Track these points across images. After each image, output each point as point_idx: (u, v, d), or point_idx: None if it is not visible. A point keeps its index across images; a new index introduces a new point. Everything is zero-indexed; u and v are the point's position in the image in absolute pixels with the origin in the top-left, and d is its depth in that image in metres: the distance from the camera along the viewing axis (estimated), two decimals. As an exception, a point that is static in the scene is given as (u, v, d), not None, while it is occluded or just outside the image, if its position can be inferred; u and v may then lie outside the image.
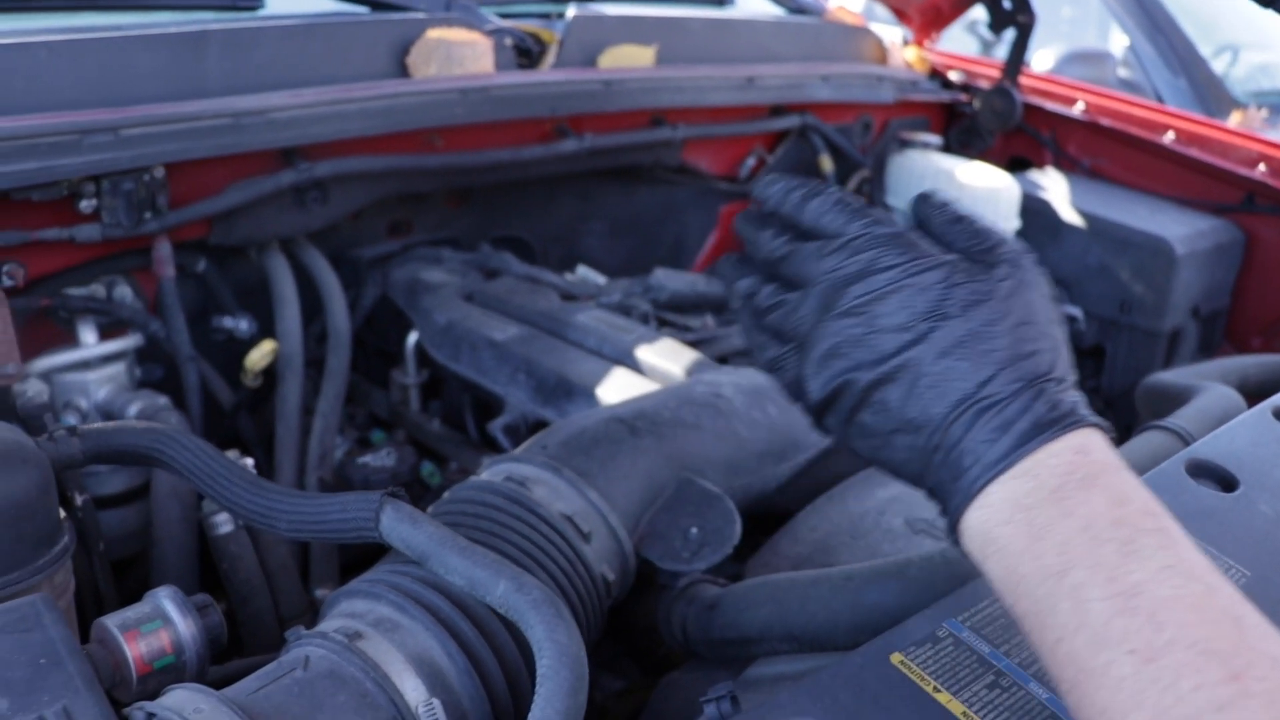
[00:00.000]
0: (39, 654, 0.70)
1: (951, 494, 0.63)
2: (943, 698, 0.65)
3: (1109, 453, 0.62)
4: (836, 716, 0.62)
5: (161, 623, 0.83)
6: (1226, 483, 0.90)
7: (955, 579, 0.81)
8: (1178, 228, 2.15)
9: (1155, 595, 0.54)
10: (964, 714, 0.64)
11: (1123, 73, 5.45)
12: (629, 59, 1.94)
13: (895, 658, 0.67)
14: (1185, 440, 1.05)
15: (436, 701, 0.79)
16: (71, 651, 0.71)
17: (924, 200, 0.73)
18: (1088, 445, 0.62)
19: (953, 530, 0.64)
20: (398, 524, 0.83)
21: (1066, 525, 0.58)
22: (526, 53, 1.85)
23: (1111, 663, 0.53)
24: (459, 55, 1.68)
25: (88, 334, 1.45)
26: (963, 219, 0.70)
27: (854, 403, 0.66)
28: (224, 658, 0.93)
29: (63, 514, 0.93)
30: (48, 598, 0.77)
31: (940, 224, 0.71)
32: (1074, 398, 0.64)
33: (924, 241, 0.68)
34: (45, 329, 1.43)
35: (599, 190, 2.11)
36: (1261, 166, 2.15)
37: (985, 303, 0.64)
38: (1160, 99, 4.16)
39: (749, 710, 0.63)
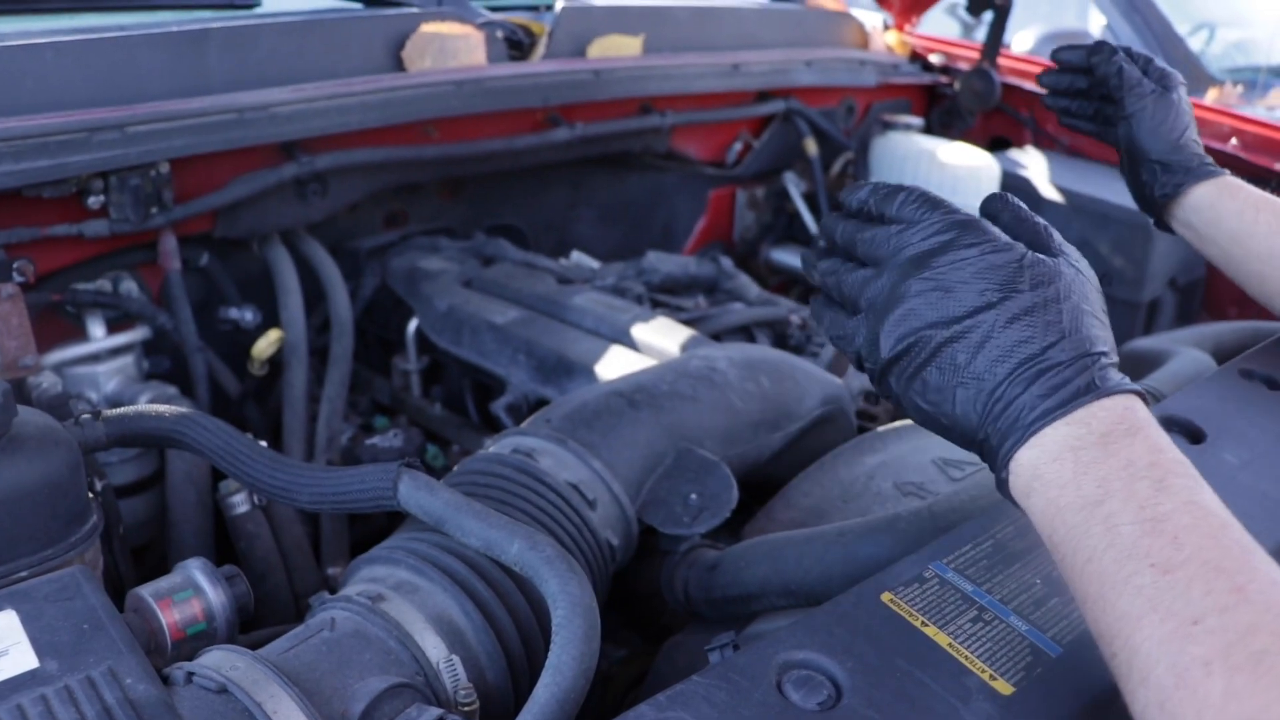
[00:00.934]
0: (82, 620, 0.74)
1: (1007, 436, 0.69)
2: (930, 631, 0.70)
3: (1149, 414, 0.70)
4: (832, 649, 0.67)
5: (193, 592, 0.88)
6: (1194, 435, 0.95)
7: (941, 531, 0.86)
8: (1155, 202, 2.20)
9: (1179, 523, 0.62)
10: (950, 645, 0.69)
11: (1101, 52, 5.48)
12: (617, 49, 1.98)
13: (885, 596, 0.72)
14: (1157, 399, 1.10)
15: (456, 658, 0.83)
16: (112, 617, 0.75)
17: (994, 199, 0.81)
18: (1133, 406, 0.69)
19: (1001, 472, 0.71)
20: (415, 491, 0.88)
21: (1108, 464, 0.65)
22: (517, 45, 1.90)
23: (1134, 574, 0.61)
24: (452, 48, 1.73)
25: (96, 328, 1.49)
26: (1027, 217, 0.78)
27: (924, 359, 0.73)
28: (243, 632, 0.98)
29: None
30: (85, 569, 0.81)
31: (1008, 220, 0.79)
32: (1120, 374, 0.71)
33: (996, 229, 0.75)
34: (54, 324, 1.47)
35: (589, 178, 2.15)
36: (1234, 140, 2.20)
37: (1051, 284, 0.72)
38: (1138, 77, 4.20)
39: (747, 649, 0.68)
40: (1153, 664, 0.58)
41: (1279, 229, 1.11)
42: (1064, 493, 0.66)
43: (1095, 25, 5.88)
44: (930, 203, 0.76)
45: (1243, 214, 1.13)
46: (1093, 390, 0.68)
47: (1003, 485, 0.71)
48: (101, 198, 1.39)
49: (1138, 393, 0.70)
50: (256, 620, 1.26)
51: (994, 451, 0.71)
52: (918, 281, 0.73)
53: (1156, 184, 1.19)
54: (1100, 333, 0.72)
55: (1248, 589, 0.58)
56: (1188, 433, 0.96)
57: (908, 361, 0.74)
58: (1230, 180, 1.17)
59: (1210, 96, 3.71)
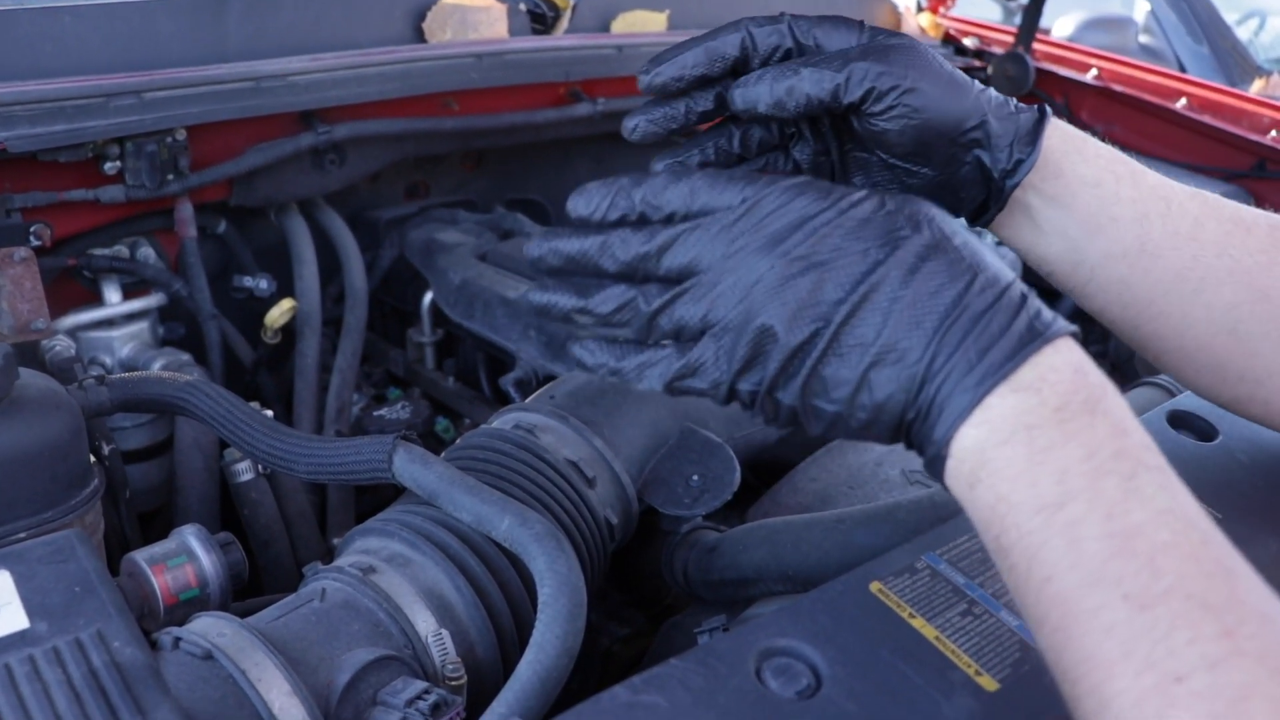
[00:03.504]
0: (74, 583, 0.74)
1: (944, 414, 0.58)
2: (917, 623, 0.69)
3: (1100, 374, 0.59)
4: (815, 637, 0.66)
5: (186, 558, 0.88)
6: (1205, 433, 0.93)
7: (942, 521, 0.85)
8: (1187, 193, 2.16)
9: (1155, 539, 0.53)
10: (936, 638, 0.68)
11: (1144, 39, 5.41)
12: (641, 24, 1.97)
13: (874, 586, 0.71)
14: (1172, 393, 1.08)
15: (445, 632, 0.83)
16: (104, 581, 0.75)
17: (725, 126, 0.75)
18: (1083, 365, 0.59)
19: (937, 462, 0.60)
20: (409, 465, 0.88)
21: (1068, 451, 0.55)
22: (540, 18, 1.89)
23: (1103, 606, 0.52)
24: (474, 20, 1.72)
25: (112, 293, 1.49)
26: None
27: (819, 353, 0.60)
28: (241, 600, 0.98)
29: (92, 460, 0.98)
30: (81, 533, 0.81)
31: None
32: (1050, 310, 0.61)
33: (827, 182, 0.64)
34: (70, 288, 1.48)
35: (612, 153, 2.14)
36: (1274, 133, 2.16)
37: (930, 222, 0.61)
38: (1182, 66, 4.13)
39: (728, 634, 0.67)
40: None
41: (1149, 209, 0.77)
42: (1016, 488, 0.56)
43: (1139, 11, 5.79)
44: (732, 178, 0.63)
45: (1100, 183, 0.78)
46: (1034, 336, 0.58)
47: (937, 472, 0.60)
48: (118, 163, 1.40)
49: (1075, 334, 0.60)
50: (259, 588, 1.27)
51: (927, 433, 0.60)
52: (781, 267, 0.60)
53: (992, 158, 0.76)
54: (997, 264, 0.61)
55: (1238, 633, 0.50)
56: (1199, 431, 0.94)
57: (798, 364, 0.61)
58: (1068, 128, 0.79)
59: (1255, 88, 3.64)
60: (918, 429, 0.61)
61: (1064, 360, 0.58)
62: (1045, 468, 0.55)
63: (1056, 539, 0.54)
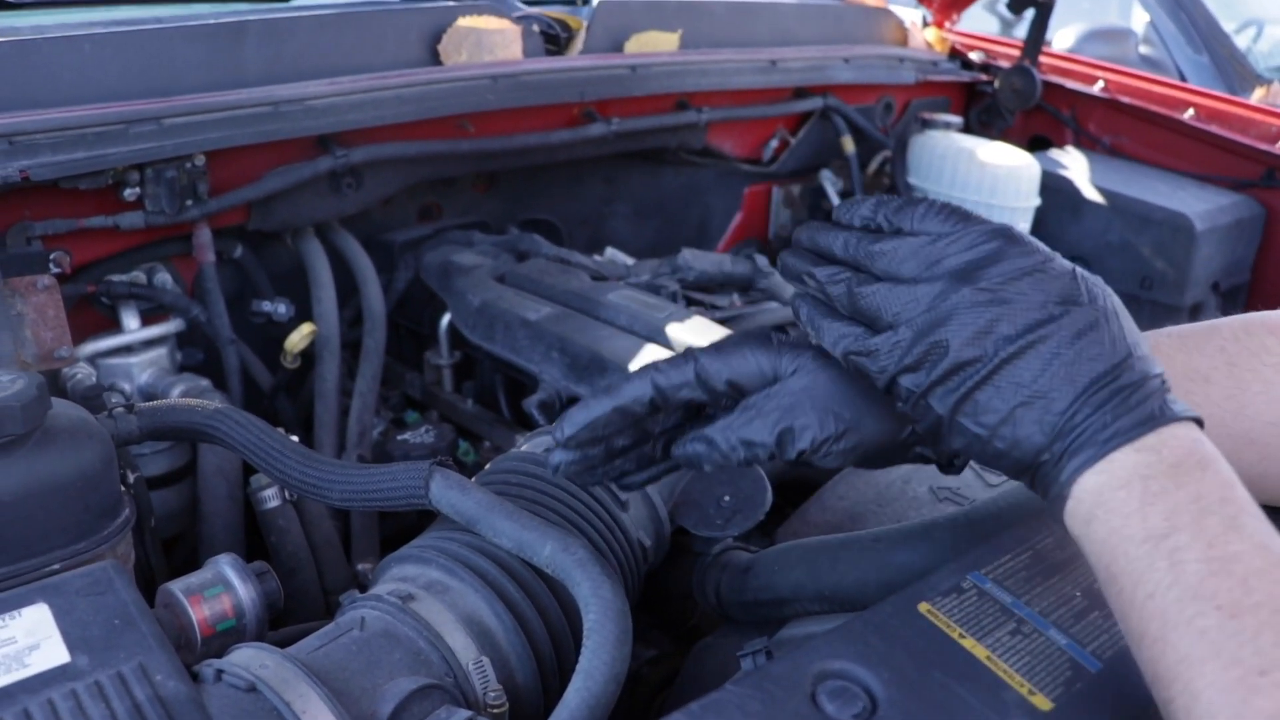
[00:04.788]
0: (113, 615, 0.74)
1: (1074, 457, 0.64)
2: (968, 643, 0.68)
3: (1215, 449, 0.65)
4: (868, 659, 0.65)
5: (223, 588, 0.88)
6: None
7: (978, 539, 0.84)
8: (1198, 204, 2.17)
9: (1249, 565, 0.58)
10: (988, 658, 0.67)
11: (1144, 50, 5.43)
12: (654, 44, 1.97)
13: (923, 607, 0.71)
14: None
15: (485, 659, 0.82)
16: (143, 613, 0.75)
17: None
18: (1200, 438, 0.65)
19: (1060, 496, 0.66)
20: (447, 491, 0.87)
21: (1178, 495, 0.61)
22: (554, 39, 1.89)
23: (1198, 615, 0.57)
24: (489, 42, 1.72)
25: (130, 319, 1.49)
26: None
27: (980, 378, 0.67)
28: (272, 628, 0.98)
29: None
30: (117, 564, 0.81)
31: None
32: (1182, 401, 0.67)
33: (1037, 241, 0.71)
34: (89, 315, 1.48)
35: (624, 173, 2.14)
36: (1282, 142, 2.17)
37: (1107, 298, 0.68)
38: (1182, 76, 4.14)
39: (781, 657, 0.67)
40: (1213, 714, 0.55)
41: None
42: (1128, 522, 0.62)
43: (1138, 22, 5.81)
44: (960, 214, 0.71)
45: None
46: (1165, 415, 0.64)
47: (1057, 510, 0.67)
48: (137, 190, 1.40)
49: (1198, 421, 0.66)
50: (286, 616, 1.26)
51: (1053, 475, 0.66)
52: (970, 293, 0.67)
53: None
54: (1151, 354, 0.68)
55: None
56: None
57: (958, 380, 0.67)
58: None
59: (1256, 96, 3.64)
60: (1045, 471, 0.67)
61: (1185, 433, 0.65)
62: (1156, 507, 0.61)
63: (1161, 562, 0.60)
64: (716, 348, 0.78)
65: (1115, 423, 0.64)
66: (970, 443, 0.69)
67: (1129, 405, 0.64)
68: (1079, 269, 0.69)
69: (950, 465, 0.79)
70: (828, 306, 0.75)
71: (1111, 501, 0.63)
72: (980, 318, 0.67)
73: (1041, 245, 0.70)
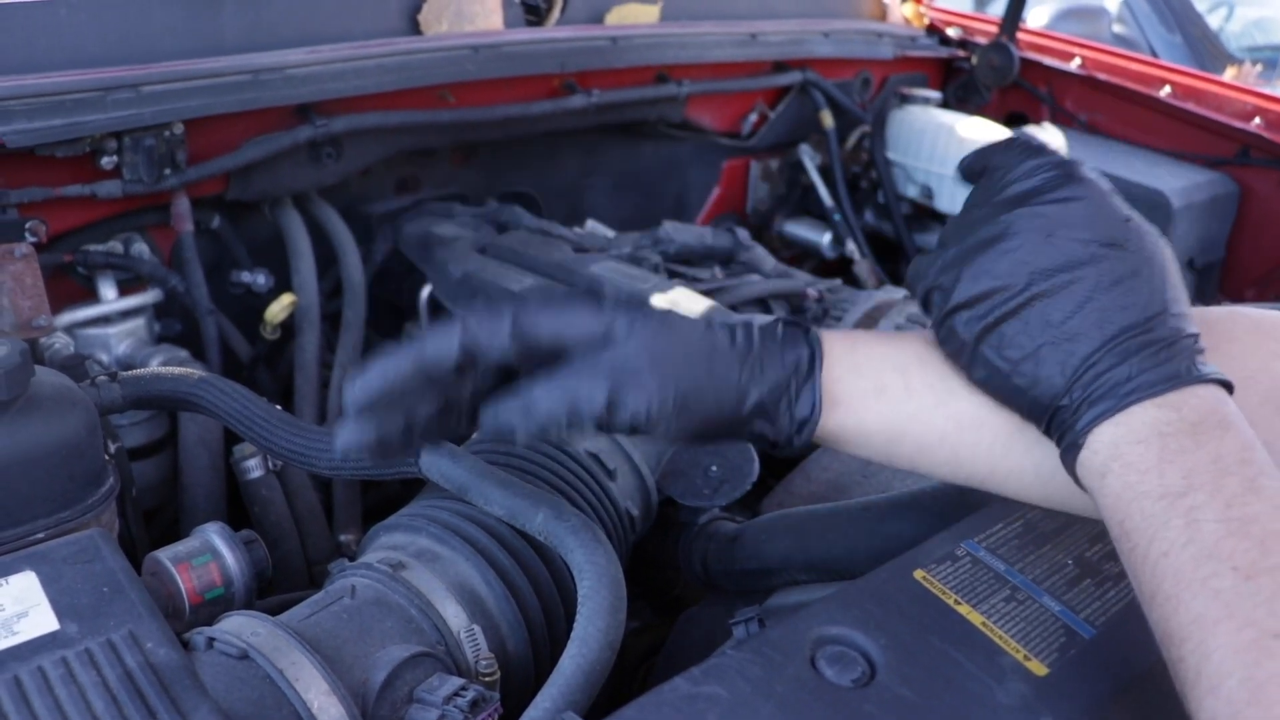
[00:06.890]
0: (102, 583, 0.73)
1: (1094, 406, 0.63)
2: (963, 609, 0.69)
3: (1239, 412, 0.64)
4: (866, 625, 0.66)
5: (211, 556, 0.87)
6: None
7: (967, 508, 0.85)
8: (1174, 181, 2.18)
9: (1268, 527, 0.57)
10: (983, 624, 0.68)
11: (1118, 28, 5.45)
12: (634, 15, 1.96)
13: (918, 574, 0.72)
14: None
15: (477, 627, 0.82)
16: (132, 581, 0.74)
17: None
18: (1224, 399, 0.63)
19: (1072, 450, 0.64)
20: (437, 460, 0.87)
21: (1197, 455, 0.60)
22: (534, 9, 1.87)
23: (1213, 575, 0.56)
24: (469, 12, 1.71)
25: (108, 289, 1.47)
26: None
27: (1009, 309, 0.66)
28: (259, 598, 0.97)
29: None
30: (104, 532, 0.80)
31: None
32: (1213, 364, 0.65)
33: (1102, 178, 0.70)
34: (65, 285, 1.46)
35: (603, 146, 2.13)
36: (1257, 120, 2.18)
37: (1155, 247, 0.66)
38: (1155, 55, 4.18)
39: (779, 623, 0.67)
40: (1225, 674, 0.54)
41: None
42: (1144, 478, 0.60)
43: (1111, 1, 5.83)
44: (1031, 146, 0.70)
45: (884, 388, 0.72)
46: (1191, 375, 0.62)
47: (1070, 460, 0.65)
48: (115, 158, 1.38)
49: (1228, 385, 0.64)
50: (270, 586, 1.25)
51: (1070, 422, 0.64)
52: (1019, 218, 0.66)
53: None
54: (1190, 312, 0.66)
55: None
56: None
57: (986, 307, 0.66)
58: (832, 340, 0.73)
59: (1229, 74, 3.67)
60: (1062, 418, 0.65)
61: (1209, 393, 0.63)
62: (1174, 465, 0.60)
63: (1177, 520, 0.59)
64: (540, 302, 0.67)
65: (1139, 376, 0.62)
66: (990, 375, 0.67)
67: (1156, 360, 0.63)
68: (1137, 215, 0.68)
69: (789, 444, 0.71)
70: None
71: (1128, 455, 0.62)
72: (1021, 245, 0.66)
73: (1104, 184, 0.68)
